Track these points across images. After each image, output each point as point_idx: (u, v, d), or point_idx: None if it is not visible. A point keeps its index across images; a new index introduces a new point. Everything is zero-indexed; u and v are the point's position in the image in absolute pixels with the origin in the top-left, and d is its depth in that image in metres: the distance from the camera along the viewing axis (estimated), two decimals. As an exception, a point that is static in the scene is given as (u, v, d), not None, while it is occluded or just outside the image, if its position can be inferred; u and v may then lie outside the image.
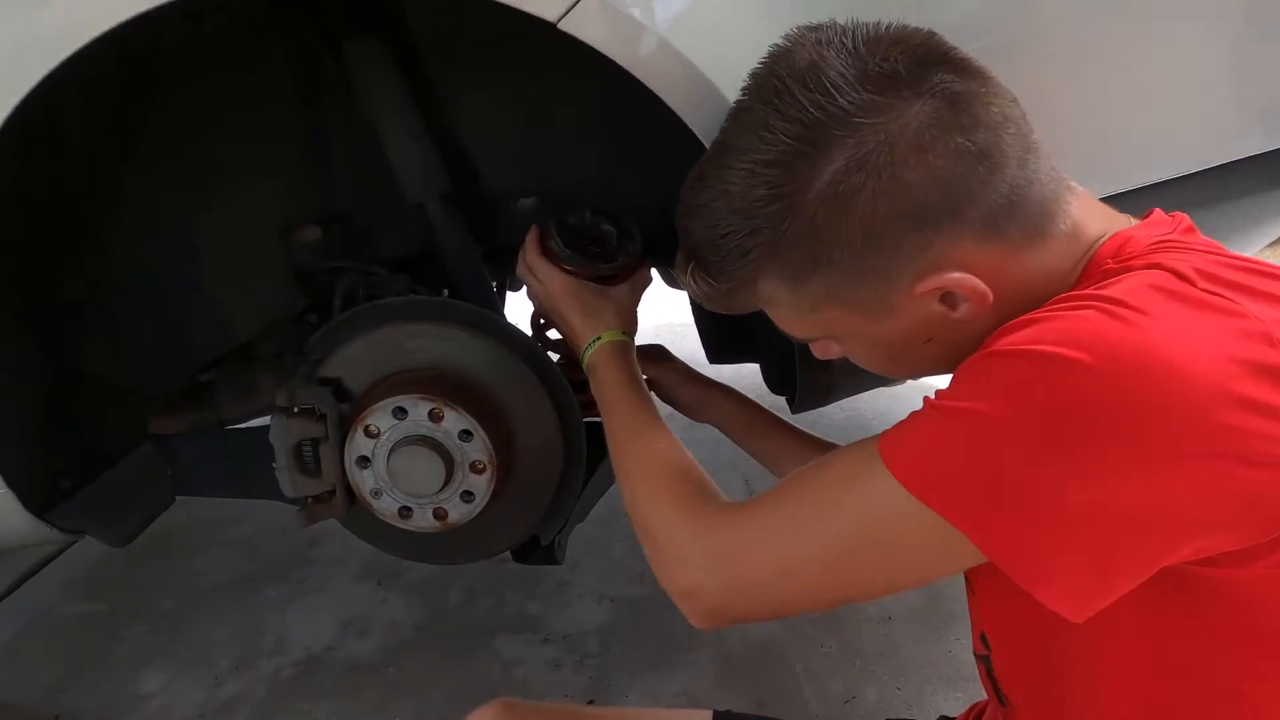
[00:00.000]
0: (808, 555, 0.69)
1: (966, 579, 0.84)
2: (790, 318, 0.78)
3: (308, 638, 2.01)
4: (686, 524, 0.78)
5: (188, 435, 1.53)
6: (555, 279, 1.10)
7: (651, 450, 0.91)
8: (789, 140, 0.66)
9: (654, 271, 1.38)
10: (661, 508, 0.82)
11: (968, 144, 0.65)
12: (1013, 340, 0.61)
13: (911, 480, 0.62)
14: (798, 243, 0.69)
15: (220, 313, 1.43)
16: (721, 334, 1.44)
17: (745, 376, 1.50)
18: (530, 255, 1.13)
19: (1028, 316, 0.63)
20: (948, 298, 0.69)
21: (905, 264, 0.68)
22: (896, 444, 0.65)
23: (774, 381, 1.37)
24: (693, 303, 1.43)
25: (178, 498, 1.56)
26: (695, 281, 0.79)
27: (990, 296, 0.67)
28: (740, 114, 0.73)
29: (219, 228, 1.35)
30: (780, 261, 0.72)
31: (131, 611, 2.16)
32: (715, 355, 1.48)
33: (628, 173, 1.32)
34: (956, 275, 0.67)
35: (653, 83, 0.88)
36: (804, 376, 1.14)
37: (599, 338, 1.06)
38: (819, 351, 0.86)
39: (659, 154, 1.18)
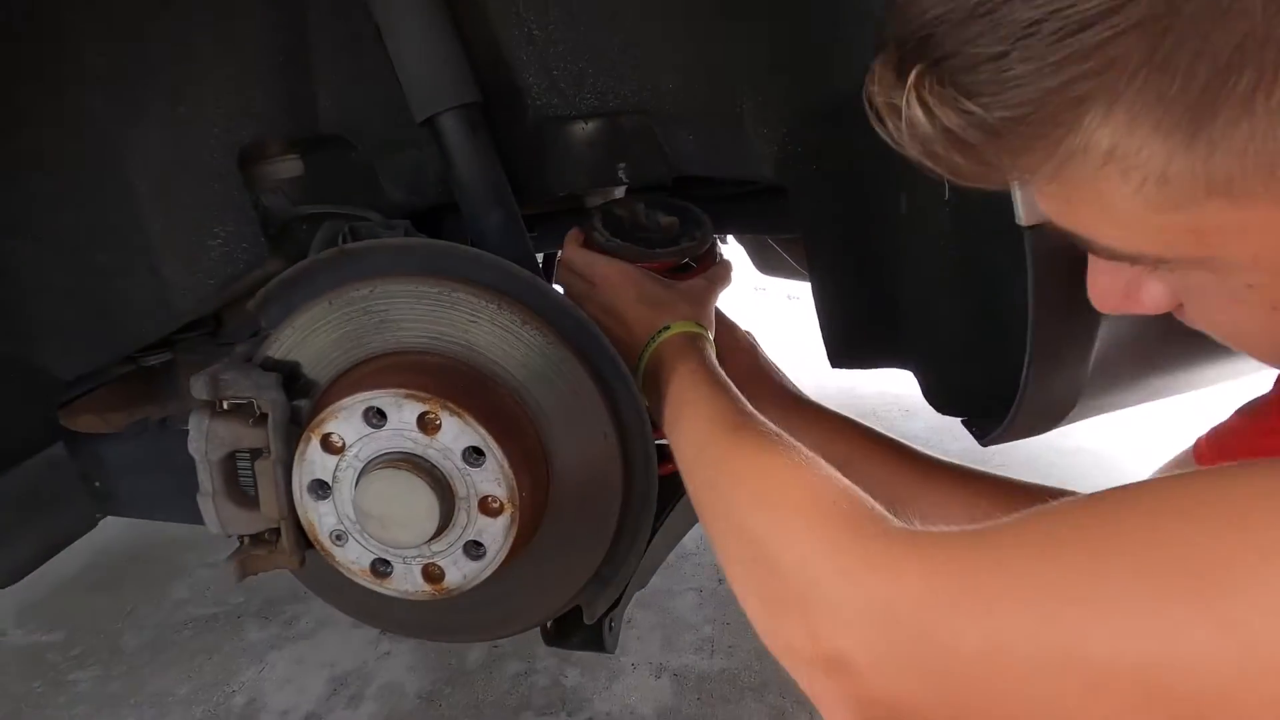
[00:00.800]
0: (1062, 638, 0.39)
1: None
2: (1127, 213, 0.40)
3: (287, 700, 1.63)
4: (834, 557, 0.51)
5: (120, 436, 1.14)
6: (603, 266, 0.88)
7: (761, 458, 0.62)
8: None
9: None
10: (791, 534, 0.54)
11: None
12: None
13: None
14: (1214, 52, 0.34)
15: (163, 272, 1.03)
16: (860, 322, 0.99)
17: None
18: (570, 250, 0.92)
19: None
20: None
21: None
22: None
23: (942, 394, 0.92)
24: (814, 279, 0.99)
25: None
26: (935, 107, 0.40)
27: None
28: None
29: (159, 151, 0.96)
30: (1163, 77, 0.35)
31: (88, 647, 1.79)
32: (842, 356, 1.04)
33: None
34: None
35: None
36: (1035, 380, 0.68)
37: (667, 327, 0.83)
38: (1138, 302, 0.48)
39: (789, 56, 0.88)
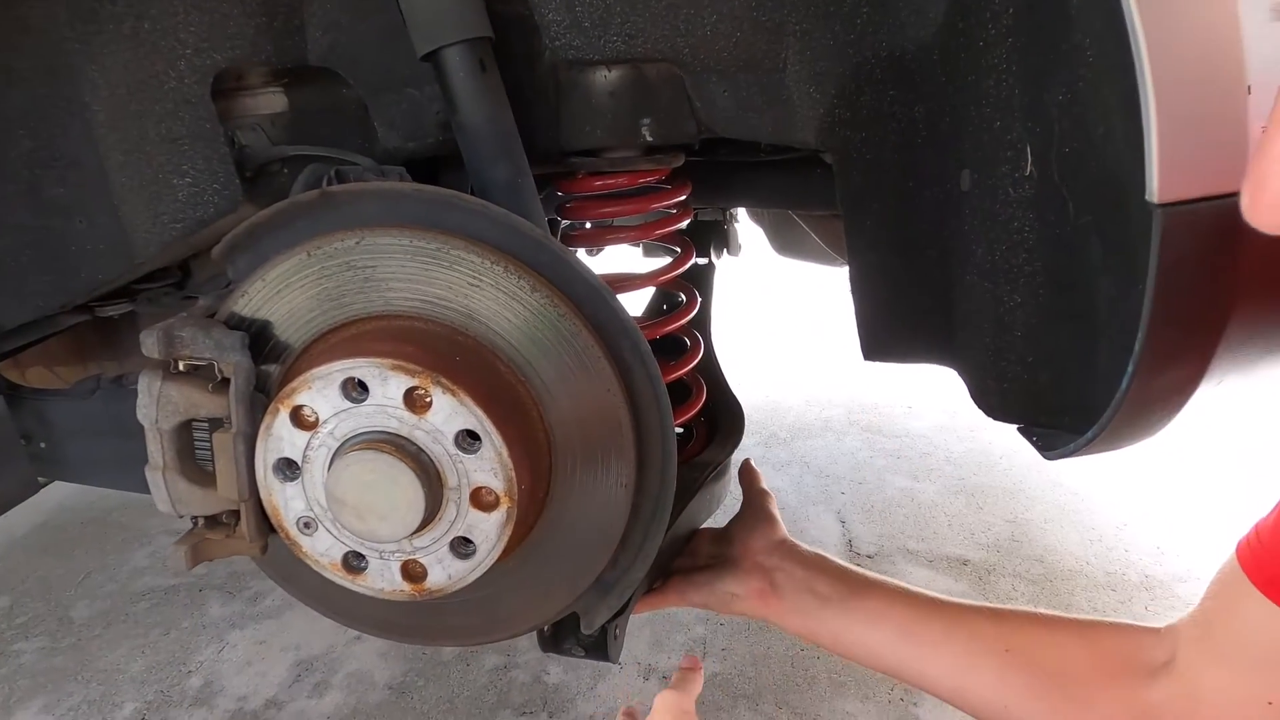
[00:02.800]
0: None
1: None
2: None
3: (246, 684, 1.51)
4: None
5: (68, 394, 1.02)
6: None
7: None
8: None
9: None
10: None
11: None
12: None
13: None
14: None
15: (123, 211, 0.92)
16: (903, 313, 0.89)
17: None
18: None
19: None
20: None
21: None
22: None
23: (998, 397, 0.81)
24: (853, 262, 0.89)
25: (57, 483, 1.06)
26: None
27: None
28: None
29: (118, 69, 0.85)
30: None
31: (34, 615, 1.68)
32: (880, 349, 0.94)
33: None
34: None
35: None
36: (1136, 390, 0.56)
37: None
38: None
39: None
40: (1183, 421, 0.67)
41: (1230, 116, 0.48)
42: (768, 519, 1.01)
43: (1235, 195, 0.45)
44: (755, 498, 1.05)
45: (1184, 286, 0.53)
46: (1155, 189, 0.50)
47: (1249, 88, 0.48)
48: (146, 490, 0.95)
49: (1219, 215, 0.50)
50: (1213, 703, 0.70)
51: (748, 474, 1.10)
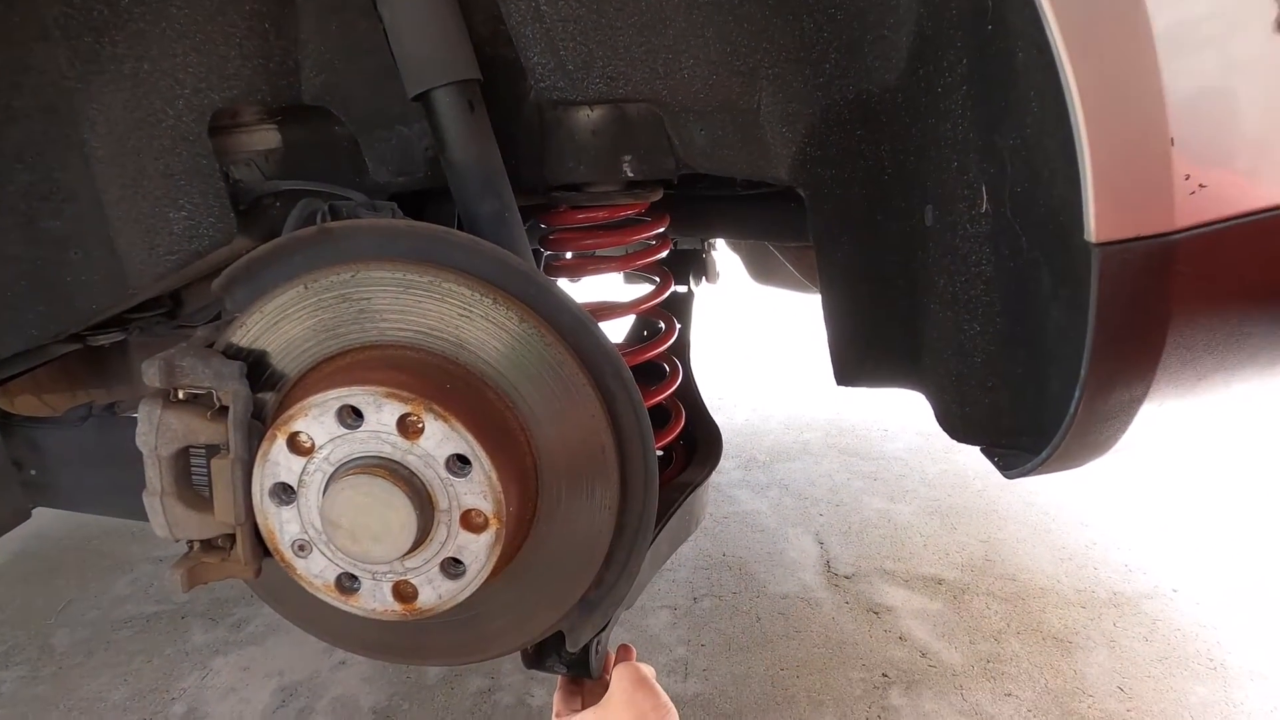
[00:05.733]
0: None
1: None
2: None
3: (230, 711, 1.51)
4: None
5: (60, 422, 1.04)
6: None
7: None
8: None
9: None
10: None
11: None
12: None
13: None
14: None
15: (114, 244, 0.94)
16: (873, 340, 0.93)
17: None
18: None
19: None
20: None
21: None
22: None
23: (962, 420, 0.86)
24: (826, 292, 0.93)
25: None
26: None
27: None
28: None
29: (117, 107, 0.88)
30: None
31: (14, 644, 1.67)
32: (851, 374, 0.98)
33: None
34: None
35: None
36: (1084, 411, 0.61)
37: None
38: None
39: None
40: (1142, 446, 0.71)
41: (1156, 167, 0.53)
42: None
43: (1163, 236, 0.49)
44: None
45: (1122, 317, 0.58)
46: (1092, 229, 0.55)
47: (1171, 140, 0.53)
48: (137, 516, 0.97)
49: (1150, 254, 0.55)
50: None
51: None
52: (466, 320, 0.71)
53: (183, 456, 0.75)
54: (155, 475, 0.74)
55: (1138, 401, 0.62)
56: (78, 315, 0.97)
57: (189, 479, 0.76)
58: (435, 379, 0.70)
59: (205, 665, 1.61)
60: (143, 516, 0.89)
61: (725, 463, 1.17)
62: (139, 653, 1.65)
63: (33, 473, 1.08)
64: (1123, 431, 0.65)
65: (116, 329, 1.11)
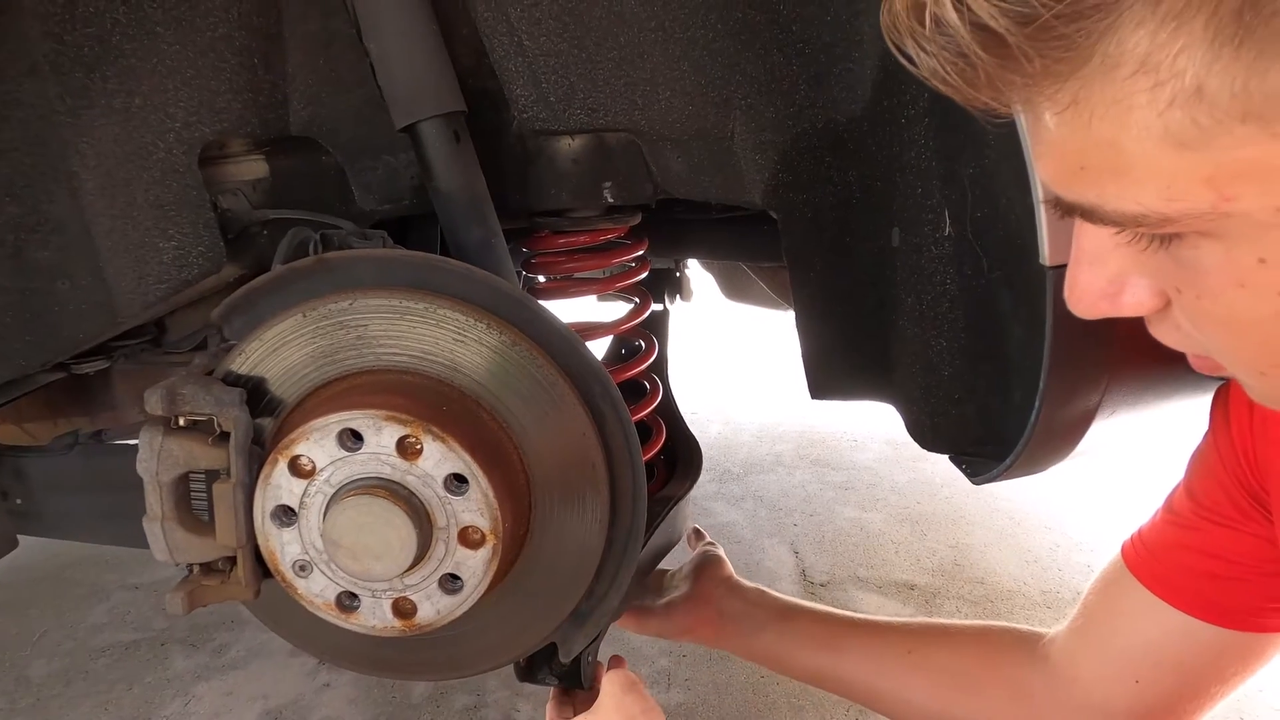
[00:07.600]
0: None
1: None
2: (1143, 154, 0.37)
3: (214, 736, 1.50)
4: None
5: (45, 450, 1.05)
6: None
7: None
8: None
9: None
10: None
11: None
12: None
13: None
14: None
15: (103, 273, 0.96)
16: (845, 355, 0.98)
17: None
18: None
19: None
20: None
21: None
22: None
23: (930, 431, 0.90)
24: (799, 310, 0.98)
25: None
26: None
27: None
28: None
29: (108, 141, 0.90)
30: None
31: (-10, 676, 1.64)
32: (824, 388, 1.02)
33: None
34: None
35: None
36: (1043, 420, 0.67)
37: None
38: (1119, 303, 0.47)
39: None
40: (1100, 453, 0.77)
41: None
42: (715, 559, 1.14)
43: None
44: (703, 545, 1.20)
45: (1075, 335, 0.63)
46: (1046, 254, 0.60)
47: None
48: (126, 542, 0.99)
49: (1099, 275, 0.60)
50: (1084, 680, 0.80)
51: (694, 531, 1.25)
52: (461, 344, 0.74)
53: (183, 482, 0.77)
54: (156, 501, 0.76)
55: (1092, 413, 0.67)
56: (65, 344, 0.98)
57: (189, 504, 0.78)
58: (432, 401, 0.73)
59: (187, 692, 1.61)
60: (131, 542, 0.91)
61: (701, 475, 1.22)
62: (119, 681, 1.63)
63: (18, 501, 1.08)
64: (1080, 437, 0.70)
65: (101, 357, 1.12)
